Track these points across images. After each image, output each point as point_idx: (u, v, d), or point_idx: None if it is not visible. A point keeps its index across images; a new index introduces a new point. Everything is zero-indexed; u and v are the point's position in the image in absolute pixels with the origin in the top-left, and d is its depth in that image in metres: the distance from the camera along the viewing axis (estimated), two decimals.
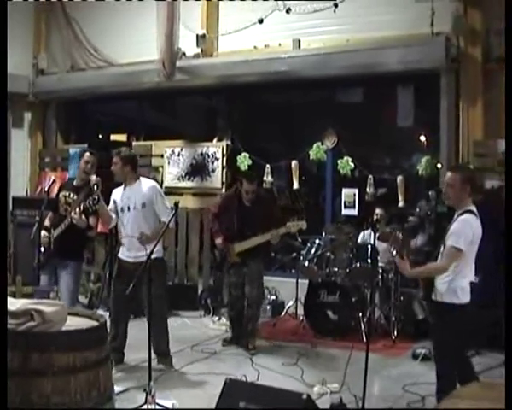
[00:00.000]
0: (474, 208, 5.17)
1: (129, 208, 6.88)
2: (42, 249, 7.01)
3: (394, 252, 5.06)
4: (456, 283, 5.06)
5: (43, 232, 7.06)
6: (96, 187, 6.69)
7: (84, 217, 6.68)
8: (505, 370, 4.00)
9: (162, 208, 6.74)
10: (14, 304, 4.00)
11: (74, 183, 7.22)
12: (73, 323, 4.21)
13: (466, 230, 5.03)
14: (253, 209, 7.88)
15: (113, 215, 7.02)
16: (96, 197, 6.55)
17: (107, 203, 6.93)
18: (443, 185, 5.39)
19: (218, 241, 8.00)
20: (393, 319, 8.41)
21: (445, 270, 5.05)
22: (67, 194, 7.12)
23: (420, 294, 5.32)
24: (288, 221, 7.72)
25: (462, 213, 5.13)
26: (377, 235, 7.41)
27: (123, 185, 7.01)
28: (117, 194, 7.04)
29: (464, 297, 5.09)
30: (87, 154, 7.18)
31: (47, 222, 7.20)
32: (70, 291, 6.97)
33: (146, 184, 6.99)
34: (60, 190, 7.33)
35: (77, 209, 6.64)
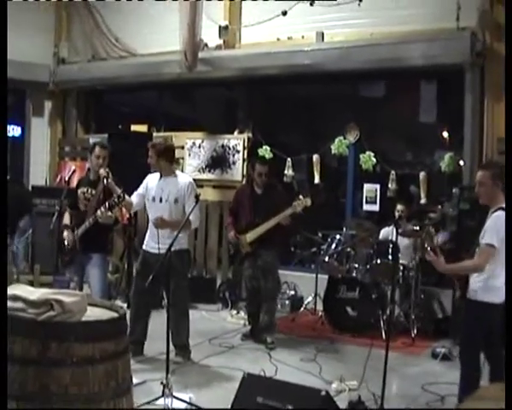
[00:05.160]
0: None
1: (161, 200, 6.85)
2: (66, 248, 6.97)
3: (428, 248, 4.99)
4: (490, 282, 5.00)
5: (66, 233, 6.99)
6: (105, 180, 6.65)
7: (110, 213, 6.62)
8: (505, 368, 3.93)
9: (191, 206, 6.60)
10: (33, 293, 3.97)
11: (91, 177, 7.09)
12: (93, 313, 4.17)
13: (498, 226, 4.95)
14: (263, 197, 7.86)
15: (135, 200, 6.99)
16: (122, 195, 6.50)
17: (128, 192, 6.86)
18: (475, 184, 5.31)
19: (230, 234, 8.00)
20: (413, 316, 8.34)
21: (481, 268, 4.99)
22: (86, 190, 7.01)
23: (457, 294, 5.24)
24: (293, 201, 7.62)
25: (495, 211, 5.06)
26: (400, 231, 7.32)
27: (159, 174, 6.97)
28: (152, 181, 7.00)
29: (498, 297, 5.02)
30: (97, 147, 7.03)
31: (67, 220, 7.11)
32: (101, 284, 6.93)
33: (183, 179, 6.96)
34: (78, 186, 7.25)
35: (102, 208, 6.57)
